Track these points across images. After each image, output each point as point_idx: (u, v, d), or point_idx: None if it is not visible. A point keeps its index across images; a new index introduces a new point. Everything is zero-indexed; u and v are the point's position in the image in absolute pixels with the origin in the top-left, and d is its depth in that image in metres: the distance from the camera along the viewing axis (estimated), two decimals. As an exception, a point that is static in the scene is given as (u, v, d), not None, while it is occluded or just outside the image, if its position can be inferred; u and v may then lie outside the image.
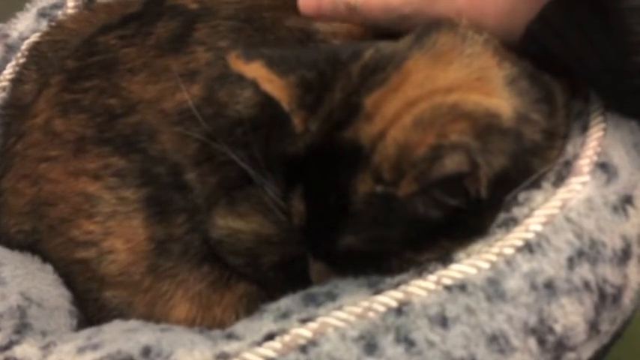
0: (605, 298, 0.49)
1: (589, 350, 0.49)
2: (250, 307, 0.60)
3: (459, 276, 0.47)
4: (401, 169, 0.45)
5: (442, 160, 0.44)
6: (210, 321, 0.62)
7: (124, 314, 0.62)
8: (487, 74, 0.50)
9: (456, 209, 0.47)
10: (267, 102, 0.58)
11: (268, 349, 0.47)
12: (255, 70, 0.51)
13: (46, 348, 0.54)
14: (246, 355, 0.47)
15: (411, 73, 0.49)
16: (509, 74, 0.51)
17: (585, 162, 0.51)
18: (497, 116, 0.48)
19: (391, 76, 0.50)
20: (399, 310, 0.46)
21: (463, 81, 0.49)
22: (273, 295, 0.55)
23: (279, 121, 0.54)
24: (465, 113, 0.47)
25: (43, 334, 0.57)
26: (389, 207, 0.47)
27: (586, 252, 0.47)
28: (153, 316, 0.62)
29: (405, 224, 0.48)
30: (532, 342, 0.46)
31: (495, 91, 0.49)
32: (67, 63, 0.67)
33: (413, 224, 0.48)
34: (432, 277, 0.47)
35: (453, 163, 0.44)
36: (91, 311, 0.65)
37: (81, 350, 0.52)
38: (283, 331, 0.48)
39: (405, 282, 0.48)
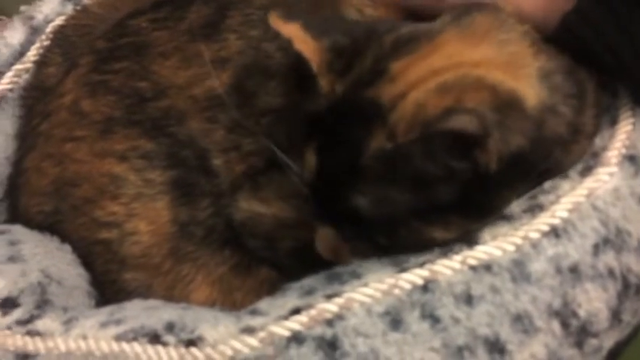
0: (629, 287, 0.52)
1: (611, 339, 0.52)
2: (271, 293, 0.62)
3: (484, 257, 0.50)
4: (413, 126, 0.49)
5: (450, 117, 0.47)
6: (230, 305, 0.65)
7: (142, 297, 0.65)
8: (519, 60, 0.54)
9: (465, 182, 0.50)
10: (292, 91, 0.62)
11: (295, 322, 0.50)
12: (292, 30, 0.56)
13: (68, 322, 0.57)
14: (273, 328, 0.50)
15: (441, 45, 0.54)
16: (544, 67, 0.54)
17: (613, 154, 0.54)
18: (520, 98, 0.52)
19: (422, 45, 0.54)
20: (425, 288, 0.50)
21: (492, 60, 0.53)
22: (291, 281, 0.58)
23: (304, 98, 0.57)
24: (489, 86, 0.50)
25: (64, 310, 0.60)
26: (393, 163, 0.50)
27: (611, 240, 0.51)
28: (172, 299, 0.64)
29: (410, 185, 0.50)
30: (556, 324, 0.49)
31: (524, 78, 0.53)
32: (97, 44, 0.70)
33: (418, 187, 0.50)
34: (458, 257, 0.51)
35: (460, 122, 0.47)
36: (108, 293, 0.68)
37: (104, 325, 0.55)
38: (309, 306, 0.51)
39: (431, 261, 0.51)
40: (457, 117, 0.47)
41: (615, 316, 0.51)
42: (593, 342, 0.50)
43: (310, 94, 0.56)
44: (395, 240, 0.53)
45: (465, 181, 0.50)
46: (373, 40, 0.56)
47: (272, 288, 0.64)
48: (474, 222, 0.53)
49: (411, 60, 0.53)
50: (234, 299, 0.66)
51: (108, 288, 0.68)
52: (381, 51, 0.55)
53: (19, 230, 0.68)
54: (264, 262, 0.67)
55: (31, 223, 0.70)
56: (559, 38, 0.56)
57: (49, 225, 0.69)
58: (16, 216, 0.72)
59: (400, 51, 0.54)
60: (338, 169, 0.53)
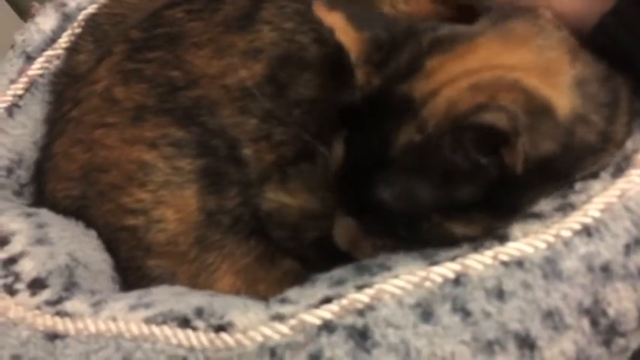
0: (658, 288, 0.52)
1: (637, 340, 0.52)
2: (294, 285, 0.62)
3: (516, 253, 0.51)
4: (443, 122, 0.50)
5: (482, 113, 0.48)
6: (253, 296, 0.64)
7: (166, 284, 0.65)
8: (555, 67, 0.54)
9: (490, 181, 0.50)
10: (326, 83, 0.62)
11: (326, 311, 0.51)
12: (334, 19, 0.57)
13: (97, 305, 0.57)
14: (303, 315, 0.51)
15: (479, 47, 0.54)
16: (579, 75, 0.55)
17: (645, 156, 0.55)
18: (553, 107, 0.52)
19: (459, 45, 0.55)
20: (457, 281, 0.50)
21: (528, 65, 0.53)
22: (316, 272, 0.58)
23: (338, 96, 0.58)
24: (523, 89, 0.51)
25: (92, 292, 0.61)
26: (422, 156, 0.51)
27: (642, 241, 0.51)
28: (196, 288, 0.65)
29: (435, 179, 0.51)
30: (585, 322, 0.49)
31: (559, 86, 0.53)
32: (132, 33, 0.71)
33: (443, 181, 0.51)
34: (489, 253, 0.51)
35: (491, 117, 0.48)
36: (132, 279, 0.68)
37: (133, 308, 0.56)
38: (340, 296, 0.51)
39: (462, 255, 0.52)
40: (488, 112, 0.48)
41: (643, 316, 0.51)
42: (620, 341, 0.50)
43: (345, 85, 0.57)
44: (415, 234, 0.54)
45: (489, 180, 0.50)
46: (412, 37, 0.57)
47: (295, 280, 0.64)
48: (498, 221, 0.53)
49: (447, 58, 0.54)
50: (258, 290, 0.66)
51: (132, 274, 0.68)
52: (419, 48, 0.56)
53: (46, 214, 0.69)
54: (288, 254, 0.67)
55: (56, 208, 0.70)
56: (595, 39, 0.56)
57: (75, 210, 0.70)
58: (41, 200, 0.73)
59: (437, 49, 0.55)
60: (365, 160, 0.54)
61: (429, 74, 0.53)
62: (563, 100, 0.53)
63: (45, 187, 0.73)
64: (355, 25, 0.57)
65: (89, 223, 0.69)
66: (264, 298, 0.60)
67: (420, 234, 0.54)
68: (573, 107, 0.53)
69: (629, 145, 0.56)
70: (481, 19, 0.58)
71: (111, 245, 0.69)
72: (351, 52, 0.56)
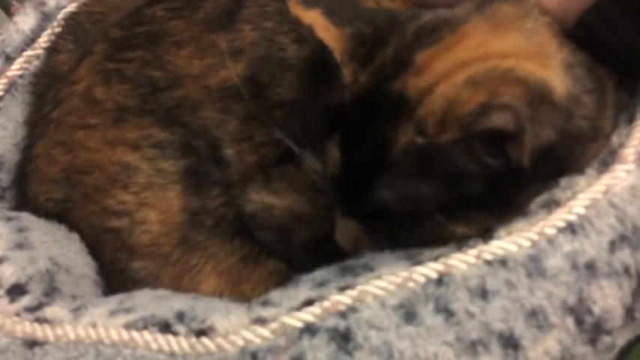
0: (643, 285, 0.52)
1: (623, 337, 0.52)
2: (279, 285, 0.62)
3: (499, 252, 0.50)
4: (445, 122, 0.48)
5: (489, 115, 0.46)
6: (237, 297, 0.65)
7: (150, 286, 0.65)
8: (545, 50, 0.53)
9: (495, 177, 0.50)
10: (308, 84, 0.62)
11: (307, 313, 0.50)
12: (313, 17, 0.55)
13: (77, 310, 0.56)
14: (285, 319, 0.50)
15: (467, 35, 0.53)
16: (567, 59, 0.54)
17: (631, 151, 0.54)
18: (550, 89, 0.51)
19: (446, 36, 0.53)
20: (440, 281, 0.49)
21: (520, 50, 0.52)
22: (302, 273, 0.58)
23: (322, 92, 0.57)
24: (519, 79, 0.49)
25: (73, 298, 0.60)
26: (427, 159, 0.50)
27: (628, 237, 0.51)
28: (179, 289, 0.65)
29: (440, 180, 0.50)
30: (570, 321, 0.49)
31: (551, 67, 0.52)
32: (112, 32, 0.70)
33: (448, 182, 0.50)
34: (473, 252, 0.50)
35: (499, 119, 0.46)
36: (116, 282, 0.68)
37: (113, 313, 0.55)
38: (322, 298, 0.51)
39: (445, 255, 0.51)
40: (495, 114, 0.47)
41: (629, 314, 0.51)
42: (606, 339, 0.50)
43: (330, 86, 0.56)
44: (417, 234, 0.53)
45: (495, 177, 0.49)
46: (395, 28, 0.55)
47: (280, 280, 0.65)
48: (498, 219, 0.52)
49: (436, 51, 0.52)
50: (242, 290, 0.66)
51: (115, 277, 0.68)
52: (404, 40, 0.54)
53: (27, 217, 0.68)
54: (273, 254, 0.67)
55: (39, 211, 0.70)
56: (577, 36, 0.56)
57: (58, 213, 0.69)
58: (24, 203, 0.72)
59: (424, 41, 0.53)
60: (363, 163, 0.53)
61: (421, 70, 0.51)
62: (558, 80, 0.52)
63: (27, 189, 0.72)
64: (335, 21, 0.55)
65: (72, 226, 0.69)
66: (248, 298, 0.60)
67: (421, 235, 0.53)
68: (567, 88, 0.52)
69: (615, 139, 0.56)
70: (464, 3, 0.57)
71: (94, 248, 0.68)
72: (334, 50, 0.55)
